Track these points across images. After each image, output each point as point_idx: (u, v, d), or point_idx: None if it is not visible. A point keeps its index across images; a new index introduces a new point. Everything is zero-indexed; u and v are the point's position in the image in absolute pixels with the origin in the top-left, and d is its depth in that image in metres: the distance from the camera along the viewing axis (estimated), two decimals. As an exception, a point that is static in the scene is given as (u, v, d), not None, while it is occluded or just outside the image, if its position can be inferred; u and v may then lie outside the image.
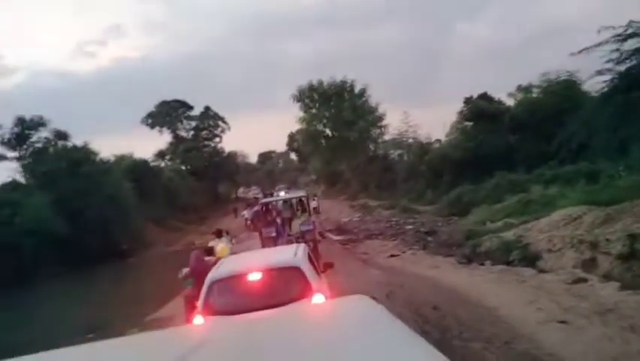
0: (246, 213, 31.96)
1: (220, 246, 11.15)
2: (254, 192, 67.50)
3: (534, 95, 31.88)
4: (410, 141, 37.39)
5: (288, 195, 23.95)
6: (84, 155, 30.22)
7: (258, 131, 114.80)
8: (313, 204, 40.51)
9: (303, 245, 6.78)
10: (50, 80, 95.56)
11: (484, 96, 38.58)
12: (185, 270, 9.24)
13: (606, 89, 20.78)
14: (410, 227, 25.61)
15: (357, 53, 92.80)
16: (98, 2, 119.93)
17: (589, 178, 19.12)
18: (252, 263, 6.19)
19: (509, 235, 14.00)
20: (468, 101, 44.76)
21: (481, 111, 30.71)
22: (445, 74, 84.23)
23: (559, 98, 29.65)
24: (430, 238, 18.77)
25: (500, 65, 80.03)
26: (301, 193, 23.32)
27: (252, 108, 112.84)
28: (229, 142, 68.48)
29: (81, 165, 29.32)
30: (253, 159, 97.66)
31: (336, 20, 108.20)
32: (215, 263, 7.16)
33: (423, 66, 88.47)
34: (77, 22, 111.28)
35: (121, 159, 39.10)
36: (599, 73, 20.24)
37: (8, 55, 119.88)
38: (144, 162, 39.50)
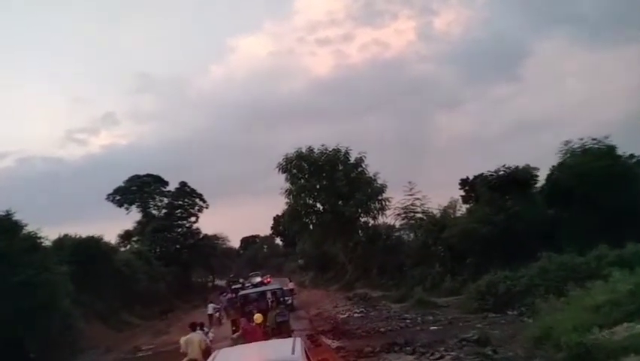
0: (211, 308, 27.37)
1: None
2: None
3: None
4: (419, 215, 30.97)
5: (263, 288, 24.80)
6: (2, 227, 22.95)
7: (243, 217, 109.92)
8: (290, 285, 34.18)
9: (299, 339, 6.39)
10: (39, 165, 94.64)
11: (479, 177, 33.59)
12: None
13: None
14: (434, 328, 19.05)
15: (342, 142, 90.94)
16: (96, 92, 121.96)
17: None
18: (248, 357, 6.29)
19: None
20: (464, 182, 39.92)
21: (512, 177, 24.73)
22: (428, 162, 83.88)
23: (607, 162, 23.96)
24: (492, 353, 11.67)
25: (479, 154, 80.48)
26: (276, 286, 24.79)
27: (237, 194, 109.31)
28: (210, 226, 62.41)
29: (-5, 240, 21.94)
30: (236, 244, 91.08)
31: (321, 112, 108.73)
32: None
33: (406, 155, 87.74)
34: (75, 110, 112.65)
35: (65, 237, 31.75)
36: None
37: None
38: (92, 241, 32.03)
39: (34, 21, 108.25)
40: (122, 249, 44.78)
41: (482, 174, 33.43)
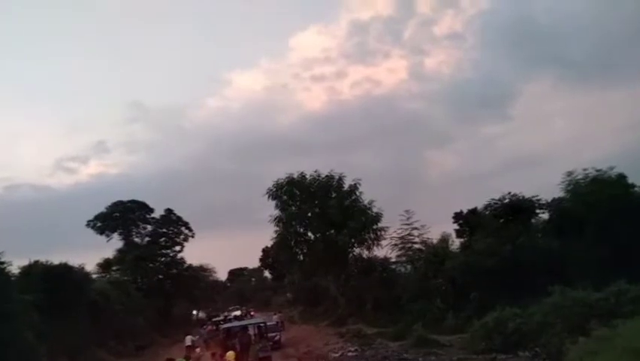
0: (188, 340, 25.44)
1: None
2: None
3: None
4: (417, 246, 29.04)
5: (246, 322, 25.42)
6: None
7: (232, 249, 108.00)
8: (275, 318, 32.31)
9: None
10: (26, 193, 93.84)
11: (474, 212, 32.23)
12: None
13: None
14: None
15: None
16: (88, 121, 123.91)
17: None
18: None
19: None
20: (458, 216, 38.34)
21: (517, 205, 23.10)
22: (418, 197, 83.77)
23: (618, 190, 22.50)
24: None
25: (470, 190, 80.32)
26: (259, 320, 25.90)
27: (226, 226, 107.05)
28: (197, 257, 59.82)
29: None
30: (223, 276, 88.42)
31: (313, 145, 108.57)
32: None
33: (396, 190, 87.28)
34: (66, 138, 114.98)
35: (35, 264, 29.25)
36: None
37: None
38: (63, 268, 29.50)
39: (26, 49, 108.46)
40: (98, 277, 41.99)
41: (475, 208, 32.06)
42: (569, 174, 25.80)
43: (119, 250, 49.44)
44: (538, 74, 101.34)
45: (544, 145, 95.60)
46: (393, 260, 33.34)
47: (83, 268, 33.17)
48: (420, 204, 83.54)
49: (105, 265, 48.69)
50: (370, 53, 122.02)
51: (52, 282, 27.94)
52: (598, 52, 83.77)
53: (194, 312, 58.98)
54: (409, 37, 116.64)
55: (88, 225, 49.85)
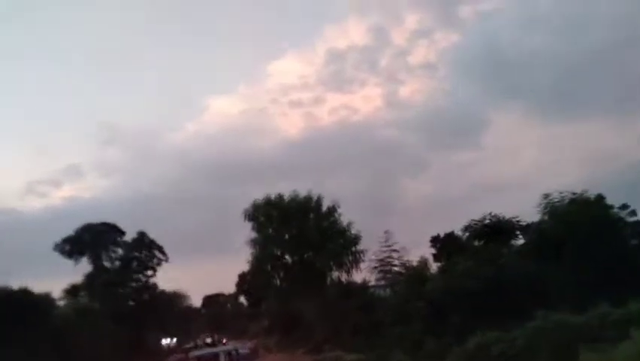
0: None
1: None
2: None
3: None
4: (397, 269, 28.34)
5: (217, 349, 26.53)
6: None
7: (207, 275, 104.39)
8: (248, 345, 31.56)
9: None
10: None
11: (451, 236, 31.94)
12: None
13: None
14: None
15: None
16: (61, 144, 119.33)
17: None
18: None
19: None
20: (435, 240, 37.88)
21: (497, 226, 22.70)
22: (393, 222, 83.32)
23: (598, 211, 22.35)
24: None
25: (443, 215, 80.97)
26: (231, 347, 26.83)
27: (202, 251, 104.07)
28: (171, 282, 57.59)
29: None
30: (198, 302, 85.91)
31: (289, 170, 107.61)
32: None
33: (372, 215, 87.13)
34: (38, 161, 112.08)
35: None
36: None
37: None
38: (22, 294, 27.79)
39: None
40: (65, 304, 39.96)
41: (452, 232, 31.64)
42: (546, 196, 25.66)
43: (88, 275, 47.33)
44: (507, 105, 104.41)
45: (514, 173, 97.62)
46: (373, 283, 32.49)
47: (47, 294, 31.54)
48: (397, 228, 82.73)
49: (72, 291, 46.49)
50: (347, 80, 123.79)
51: (10, 308, 26.35)
52: (563, 84, 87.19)
53: (165, 340, 56.45)
54: (385, 66, 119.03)
55: (55, 248, 47.71)
